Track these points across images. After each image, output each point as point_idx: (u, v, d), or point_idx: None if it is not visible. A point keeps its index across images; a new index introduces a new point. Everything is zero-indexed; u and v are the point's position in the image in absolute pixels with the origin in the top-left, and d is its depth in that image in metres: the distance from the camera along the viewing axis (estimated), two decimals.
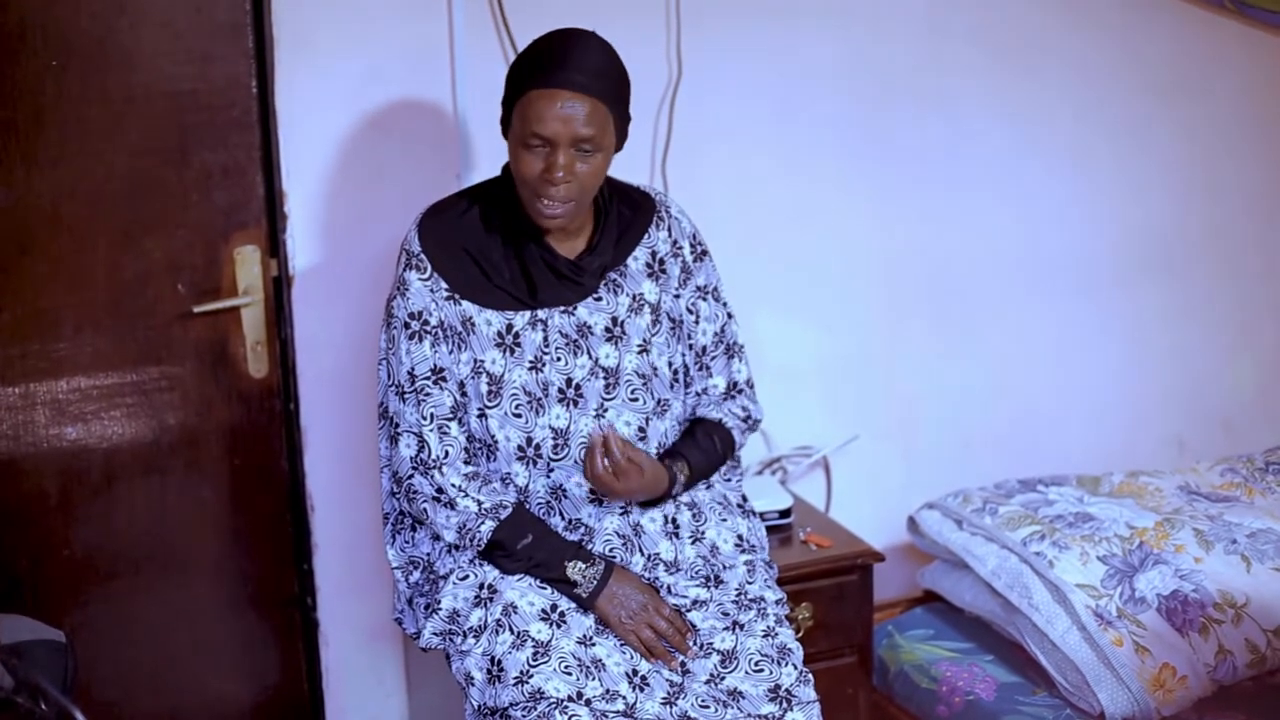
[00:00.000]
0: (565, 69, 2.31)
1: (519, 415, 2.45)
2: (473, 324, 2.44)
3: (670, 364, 2.55)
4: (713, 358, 2.60)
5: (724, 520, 2.58)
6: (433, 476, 2.45)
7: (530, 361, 2.45)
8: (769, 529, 3.02)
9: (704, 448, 2.56)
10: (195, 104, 2.79)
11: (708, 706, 2.38)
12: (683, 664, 2.45)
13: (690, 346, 2.59)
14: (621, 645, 2.44)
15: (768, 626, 2.50)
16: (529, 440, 2.46)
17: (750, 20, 3.18)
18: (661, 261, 2.54)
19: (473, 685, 2.41)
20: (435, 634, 2.48)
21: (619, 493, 2.41)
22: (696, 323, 2.58)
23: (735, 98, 3.21)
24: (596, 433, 2.43)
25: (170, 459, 2.91)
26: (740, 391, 2.63)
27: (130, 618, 2.93)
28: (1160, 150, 3.64)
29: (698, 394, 2.62)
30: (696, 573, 2.52)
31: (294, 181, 2.90)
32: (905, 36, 3.33)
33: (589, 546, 2.48)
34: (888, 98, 3.34)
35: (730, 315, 2.63)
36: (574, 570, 2.45)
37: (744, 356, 2.64)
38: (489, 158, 2.93)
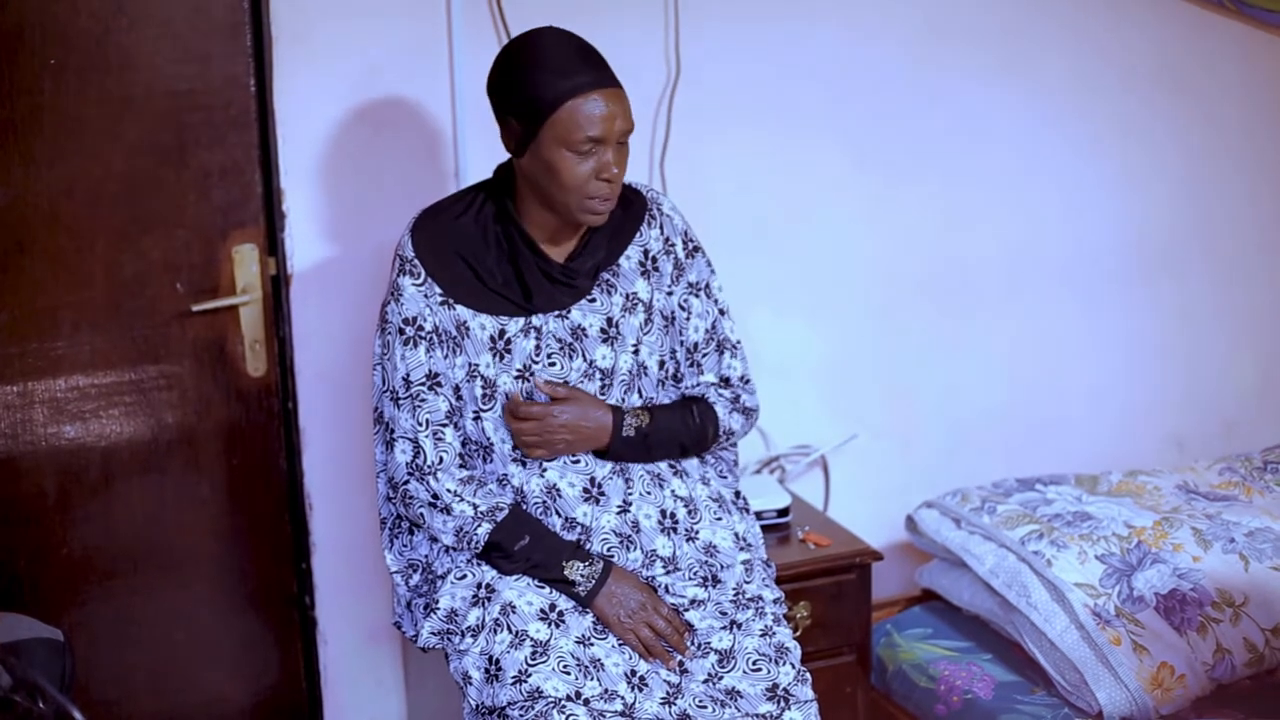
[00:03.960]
0: (589, 69, 2.33)
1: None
2: (467, 328, 2.44)
3: (661, 362, 2.56)
4: (704, 354, 2.60)
5: (719, 519, 2.58)
6: (428, 482, 2.45)
7: (518, 370, 2.46)
8: (767, 528, 3.02)
9: (677, 410, 2.55)
10: (193, 103, 2.80)
11: (705, 706, 2.38)
12: (681, 664, 2.45)
13: (682, 343, 2.59)
14: (620, 645, 2.44)
15: (765, 625, 2.49)
16: None
17: (749, 19, 3.18)
18: (654, 259, 2.54)
19: (470, 684, 2.41)
20: (433, 633, 2.48)
21: (546, 435, 2.43)
22: (688, 319, 2.58)
23: (734, 96, 3.20)
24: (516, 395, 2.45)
25: (168, 458, 2.91)
26: (731, 385, 2.62)
27: (128, 617, 2.93)
28: (1160, 150, 3.64)
29: (688, 389, 2.61)
30: (694, 573, 2.52)
31: (292, 180, 2.90)
32: (904, 35, 3.33)
33: (587, 546, 2.48)
34: (886, 97, 3.34)
35: (723, 312, 2.62)
36: (572, 570, 2.45)
37: (739, 353, 2.63)
38: (487, 157, 2.92)
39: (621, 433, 2.48)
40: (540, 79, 2.34)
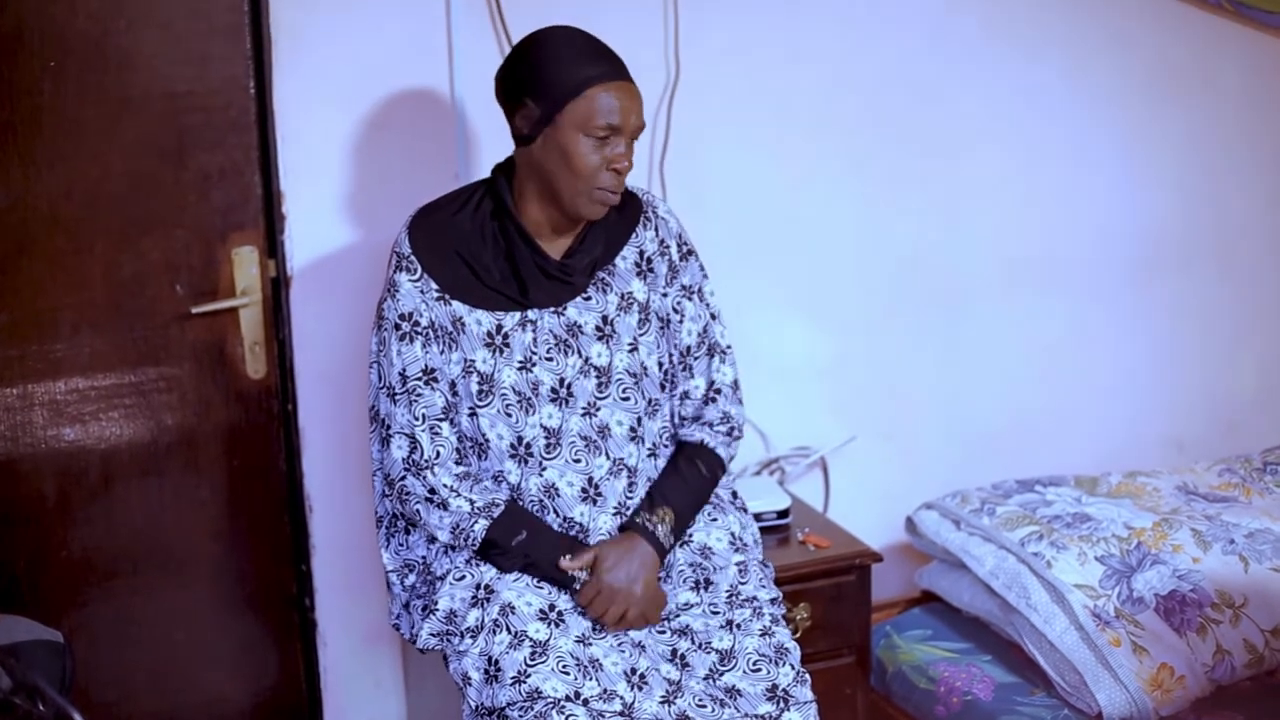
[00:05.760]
0: (611, 61, 2.40)
1: (509, 414, 2.46)
2: (463, 324, 2.45)
3: (660, 364, 2.56)
4: (695, 358, 2.61)
5: (714, 520, 2.58)
6: (425, 477, 2.45)
7: (520, 361, 2.46)
8: (767, 530, 3.02)
9: (687, 477, 2.56)
10: (193, 104, 2.80)
11: (705, 706, 2.39)
12: (682, 657, 2.45)
13: (675, 346, 2.59)
14: (620, 645, 2.44)
15: (764, 626, 2.50)
16: (520, 439, 2.47)
17: (749, 20, 3.18)
18: (649, 260, 2.55)
19: (470, 685, 2.41)
20: (433, 634, 2.48)
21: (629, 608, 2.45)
22: (681, 322, 2.59)
23: (733, 98, 3.21)
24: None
25: (168, 460, 2.91)
26: (719, 393, 2.62)
27: (128, 618, 2.93)
28: (1160, 150, 3.64)
29: (680, 397, 2.62)
30: (685, 578, 2.53)
31: (292, 182, 2.90)
32: (904, 38, 3.33)
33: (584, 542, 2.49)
34: (886, 99, 3.34)
35: (714, 316, 2.63)
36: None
37: (729, 359, 2.64)
38: (488, 156, 2.93)
39: (664, 546, 2.50)
40: (567, 63, 2.38)
